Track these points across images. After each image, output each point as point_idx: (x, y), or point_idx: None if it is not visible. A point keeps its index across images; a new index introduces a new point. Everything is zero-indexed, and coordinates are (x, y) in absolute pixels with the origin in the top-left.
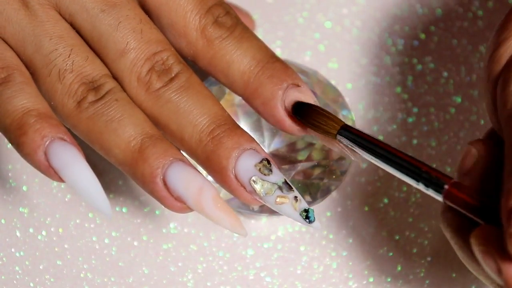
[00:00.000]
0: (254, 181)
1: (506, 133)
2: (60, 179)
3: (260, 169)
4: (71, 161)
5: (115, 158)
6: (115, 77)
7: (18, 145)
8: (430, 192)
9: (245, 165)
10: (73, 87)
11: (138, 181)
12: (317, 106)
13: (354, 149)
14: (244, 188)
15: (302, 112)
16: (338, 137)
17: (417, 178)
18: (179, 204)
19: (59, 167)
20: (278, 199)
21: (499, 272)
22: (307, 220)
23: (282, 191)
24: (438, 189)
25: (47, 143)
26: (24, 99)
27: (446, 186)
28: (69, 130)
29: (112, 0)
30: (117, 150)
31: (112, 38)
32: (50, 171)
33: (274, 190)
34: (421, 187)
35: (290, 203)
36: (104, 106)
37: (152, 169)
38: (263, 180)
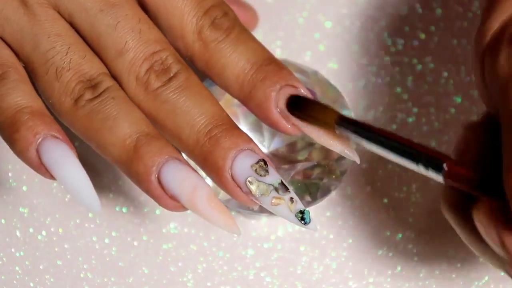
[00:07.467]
0: (250, 182)
1: (502, 104)
2: (52, 177)
3: (256, 169)
4: (62, 159)
5: (111, 156)
6: (114, 77)
7: (11, 143)
8: (430, 174)
9: (241, 165)
10: (71, 85)
11: (133, 179)
12: (311, 99)
13: (353, 139)
14: (240, 188)
15: (298, 107)
16: (337, 127)
17: (417, 160)
18: (174, 203)
19: (50, 164)
20: (273, 200)
21: (502, 244)
22: (303, 222)
23: (278, 192)
24: (437, 168)
25: (39, 140)
26: (18, 96)
27: (445, 166)
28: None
29: (111, 0)
30: (112, 148)
31: (111, 38)
32: (42, 169)
33: (270, 191)
34: (421, 169)
35: (286, 204)
36: (100, 104)
37: (147, 168)
38: (259, 181)
